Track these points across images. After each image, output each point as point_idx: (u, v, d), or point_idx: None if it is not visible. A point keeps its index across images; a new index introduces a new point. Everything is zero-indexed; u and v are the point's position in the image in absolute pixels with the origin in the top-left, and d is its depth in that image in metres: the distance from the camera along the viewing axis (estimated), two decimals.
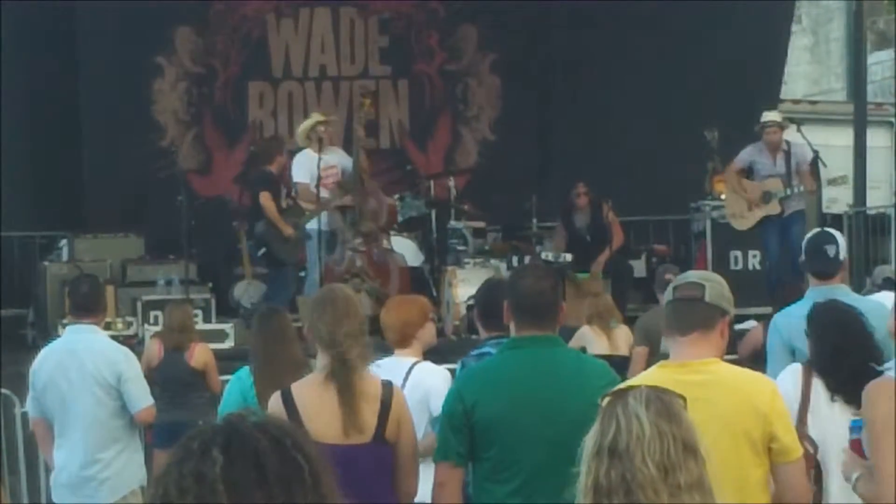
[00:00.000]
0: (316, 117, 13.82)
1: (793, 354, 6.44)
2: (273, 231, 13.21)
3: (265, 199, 13.15)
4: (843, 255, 7.10)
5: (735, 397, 4.50)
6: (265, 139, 14.88)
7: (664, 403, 3.17)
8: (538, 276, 5.50)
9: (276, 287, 13.38)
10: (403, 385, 6.41)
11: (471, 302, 12.79)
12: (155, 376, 10.36)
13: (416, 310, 6.95)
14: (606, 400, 3.24)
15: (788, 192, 13.28)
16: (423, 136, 17.08)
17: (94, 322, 7.95)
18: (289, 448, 2.24)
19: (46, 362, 7.86)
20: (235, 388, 7.22)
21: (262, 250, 13.47)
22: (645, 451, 3.08)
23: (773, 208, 13.39)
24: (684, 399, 3.25)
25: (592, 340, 10.68)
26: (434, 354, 7.06)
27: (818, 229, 7.70)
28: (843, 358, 5.66)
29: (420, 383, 6.48)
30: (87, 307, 7.95)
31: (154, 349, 10.81)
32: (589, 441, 3.18)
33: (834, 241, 7.07)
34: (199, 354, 10.70)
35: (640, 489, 3.06)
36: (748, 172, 13.62)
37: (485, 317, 6.55)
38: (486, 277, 13.04)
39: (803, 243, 7.20)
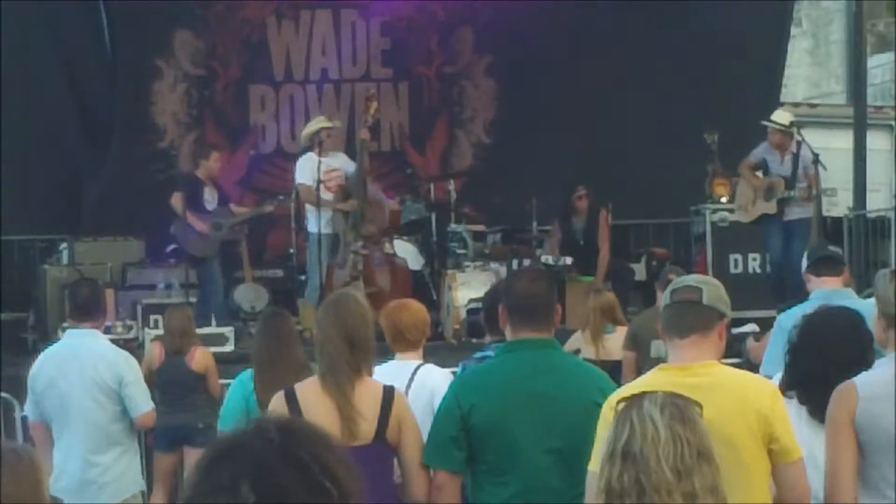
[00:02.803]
0: (320, 123, 13.83)
1: None
2: (184, 228, 13.54)
3: (174, 199, 13.60)
4: (845, 258, 7.30)
5: (735, 399, 4.51)
6: (196, 142, 15.34)
7: (679, 408, 3.19)
8: (533, 278, 5.51)
9: (204, 285, 13.64)
10: (409, 387, 6.41)
11: (471, 305, 12.81)
12: (156, 380, 10.37)
13: (424, 313, 6.97)
14: (622, 404, 3.25)
15: (788, 194, 13.27)
16: (422, 138, 17.08)
17: (94, 326, 7.95)
18: (317, 475, 2.23)
19: (46, 366, 7.86)
20: (237, 392, 7.23)
21: (171, 247, 14.11)
22: (660, 454, 3.09)
23: (771, 207, 13.38)
24: (700, 406, 3.26)
25: (584, 345, 10.62)
26: (434, 358, 7.07)
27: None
28: (798, 360, 5.72)
29: (425, 385, 6.47)
30: (87, 311, 7.95)
31: (155, 353, 10.82)
32: (603, 444, 3.19)
33: (836, 247, 7.26)
34: (200, 358, 10.72)
35: (655, 491, 3.08)
36: (764, 169, 13.61)
37: (490, 321, 6.55)
38: (485, 281, 13.10)
39: (805, 255, 7.31)
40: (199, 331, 12.75)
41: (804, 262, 7.38)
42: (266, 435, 2.26)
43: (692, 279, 4.88)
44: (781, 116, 13.70)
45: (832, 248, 7.44)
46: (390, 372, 6.37)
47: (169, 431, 10.03)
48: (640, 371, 10.25)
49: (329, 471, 2.25)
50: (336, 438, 5.36)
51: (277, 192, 15.45)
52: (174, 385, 10.52)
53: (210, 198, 13.69)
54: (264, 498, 2.19)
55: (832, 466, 4.81)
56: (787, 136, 13.47)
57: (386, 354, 6.77)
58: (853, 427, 4.77)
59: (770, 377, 5.96)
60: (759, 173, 13.65)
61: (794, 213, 13.34)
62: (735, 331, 12.14)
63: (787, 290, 12.29)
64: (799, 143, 13.55)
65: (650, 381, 4.46)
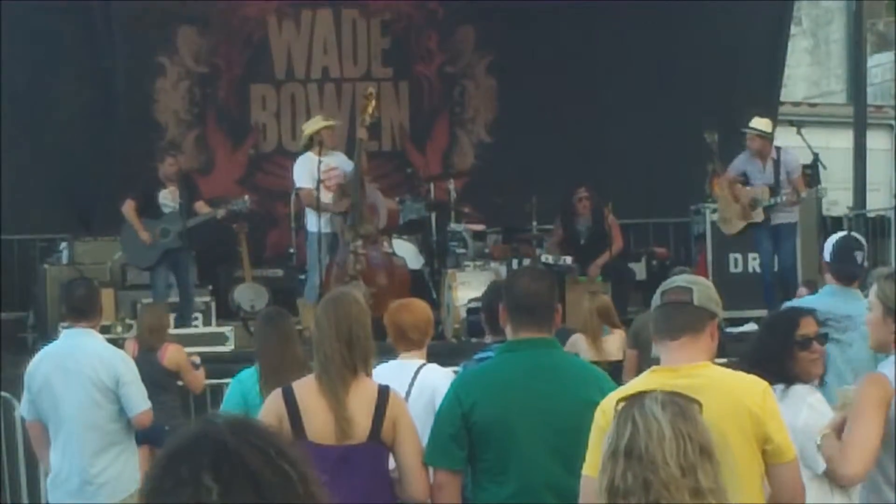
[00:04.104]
0: (320, 123, 13.81)
1: None
2: (128, 237, 13.50)
3: (126, 206, 13.46)
4: (866, 262, 7.27)
5: (727, 400, 4.49)
6: (196, 140, 15.12)
7: (680, 406, 3.19)
8: (534, 277, 5.51)
9: (153, 295, 13.50)
10: (410, 387, 6.40)
11: (471, 305, 12.80)
12: None
13: (428, 313, 6.96)
14: (621, 403, 3.26)
15: (773, 200, 13.25)
16: (422, 137, 17.09)
17: (90, 325, 7.94)
18: (275, 458, 2.22)
19: (42, 365, 7.86)
20: (236, 391, 7.23)
21: (118, 254, 14.13)
22: (665, 452, 3.09)
23: (758, 216, 13.36)
24: (700, 404, 3.26)
25: (583, 348, 10.61)
26: (434, 357, 7.05)
27: (846, 233, 7.77)
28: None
29: (427, 385, 6.44)
30: (83, 310, 7.95)
31: (129, 350, 10.79)
32: (604, 443, 3.19)
33: (862, 247, 7.21)
34: (172, 355, 10.67)
35: (664, 488, 3.08)
36: (745, 180, 13.59)
37: (490, 321, 6.54)
38: (485, 280, 13.09)
39: (831, 245, 7.25)
40: (198, 330, 12.78)
41: (827, 251, 7.31)
42: (217, 427, 2.25)
43: (682, 279, 4.85)
44: (760, 123, 13.67)
45: (860, 254, 7.32)
46: (392, 371, 6.37)
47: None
48: (641, 370, 10.25)
49: (285, 454, 2.23)
50: (332, 437, 5.36)
51: (277, 191, 15.47)
52: (145, 382, 10.49)
53: (167, 200, 13.40)
54: (227, 485, 2.17)
55: (855, 437, 4.80)
56: (766, 142, 13.44)
57: (390, 354, 6.77)
58: (886, 412, 4.77)
59: None
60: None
61: (780, 217, 13.31)
62: (735, 330, 12.17)
63: (781, 293, 12.31)
64: (779, 149, 13.54)
65: (642, 383, 4.45)
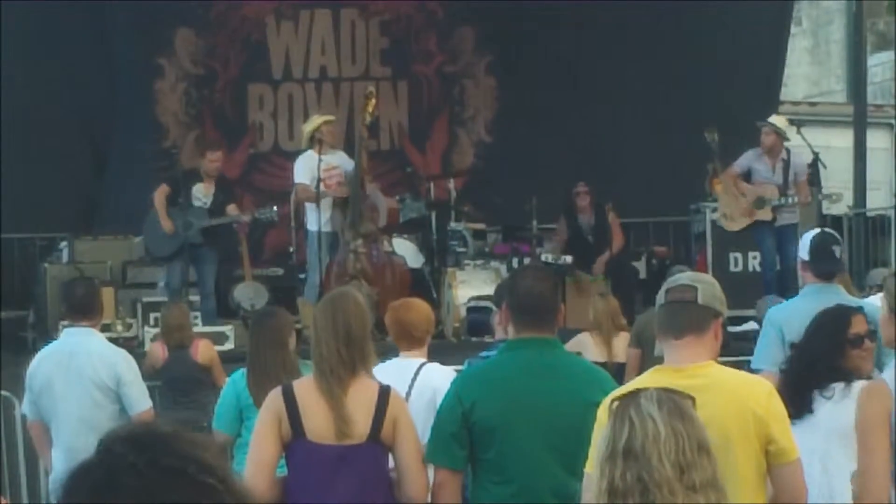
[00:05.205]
0: (319, 119, 13.81)
1: (783, 346, 6.53)
2: (152, 223, 13.53)
3: (157, 191, 13.54)
4: (844, 256, 7.27)
5: (731, 400, 4.49)
6: (196, 141, 15.20)
7: (676, 403, 3.19)
8: (537, 277, 5.50)
9: (167, 287, 13.55)
10: (412, 386, 6.40)
11: (471, 304, 12.81)
12: (161, 376, 10.35)
13: (430, 311, 6.97)
14: (616, 403, 3.25)
15: (782, 200, 13.24)
16: (422, 137, 17.08)
17: (91, 324, 7.94)
18: (196, 475, 2.08)
19: (43, 365, 7.86)
20: (230, 392, 7.21)
21: (139, 238, 14.29)
22: (661, 451, 3.09)
23: (765, 214, 13.36)
24: (693, 400, 3.26)
25: (590, 347, 10.60)
26: (433, 356, 7.06)
27: (820, 229, 7.72)
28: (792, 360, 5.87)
29: (428, 384, 6.45)
30: (83, 310, 7.94)
31: (157, 352, 10.79)
32: (602, 444, 3.19)
33: (839, 242, 7.20)
34: (204, 349, 10.68)
35: (657, 489, 3.07)
36: (747, 177, 13.59)
37: None
38: (486, 279, 13.10)
39: (808, 242, 7.22)
40: (199, 329, 12.78)
41: (804, 249, 7.28)
42: (125, 460, 2.08)
43: (686, 277, 4.84)
44: (778, 119, 13.68)
45: (837, 249, 7.28)
46: (393, 370, 6.37)
47: None
48: (643, 369, 10.25)
49: (204, 464, 2.10)
50: (332, 437, 5.34)
51: (274, 191, 15.45)
52: (181, 380, 10.47)
53: (200, 194, 13.45)
54: None
55: (867, 466, 4.73)
56: (780, 140, 13.43)
57: (390, 353, 6.76)
58: (889, 425, 4.75)
59: (759, 371, 6.05)
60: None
61: (785, 218, 13.33)
62: (736, 329, 12.17)
63: (781, 292, 12.31)
64: (789, 151, 13.53)
65: (645, 382, 4.44)
